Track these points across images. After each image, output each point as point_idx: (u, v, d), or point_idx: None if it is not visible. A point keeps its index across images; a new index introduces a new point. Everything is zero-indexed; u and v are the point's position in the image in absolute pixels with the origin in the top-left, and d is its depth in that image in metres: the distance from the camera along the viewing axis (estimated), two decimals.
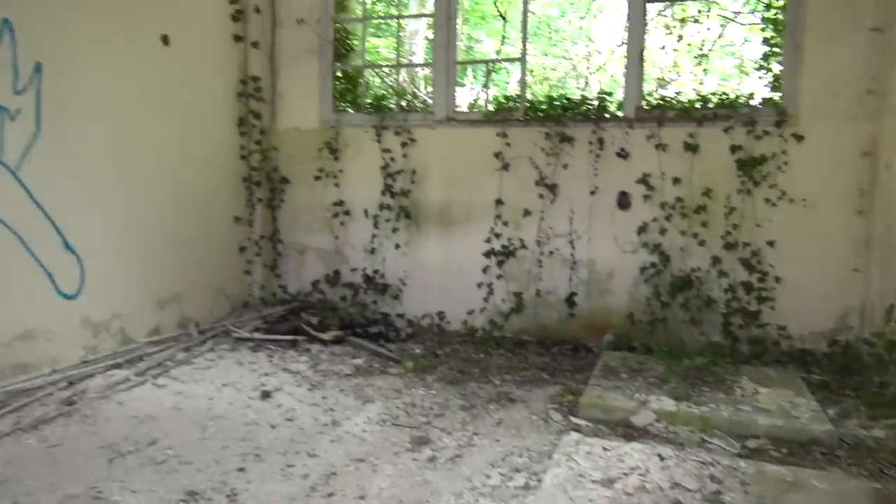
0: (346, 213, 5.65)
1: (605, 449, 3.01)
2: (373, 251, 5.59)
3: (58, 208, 3.90)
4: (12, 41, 3.58)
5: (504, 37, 8.08)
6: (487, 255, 5.20)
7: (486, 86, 7.76)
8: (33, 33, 3.70)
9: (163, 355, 4.38)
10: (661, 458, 2.92)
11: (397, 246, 5.51)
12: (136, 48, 4.47)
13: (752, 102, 4.72)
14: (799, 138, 4.50)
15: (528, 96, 5.32)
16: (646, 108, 4.90)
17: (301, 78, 5.76)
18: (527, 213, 5.11)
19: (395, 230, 5.50)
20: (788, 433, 3.24)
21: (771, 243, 4.59)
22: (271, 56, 5.80)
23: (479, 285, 5.23)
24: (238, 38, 5.55)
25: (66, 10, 3.92)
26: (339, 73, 5.97)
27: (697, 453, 2.99)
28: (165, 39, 4.71)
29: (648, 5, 4.98)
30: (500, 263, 5.19)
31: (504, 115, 5.21)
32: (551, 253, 5.10)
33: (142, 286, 4.61)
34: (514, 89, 11.05)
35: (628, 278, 4.93)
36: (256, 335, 4.92)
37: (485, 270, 5.21)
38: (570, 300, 5.05)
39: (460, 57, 5.57)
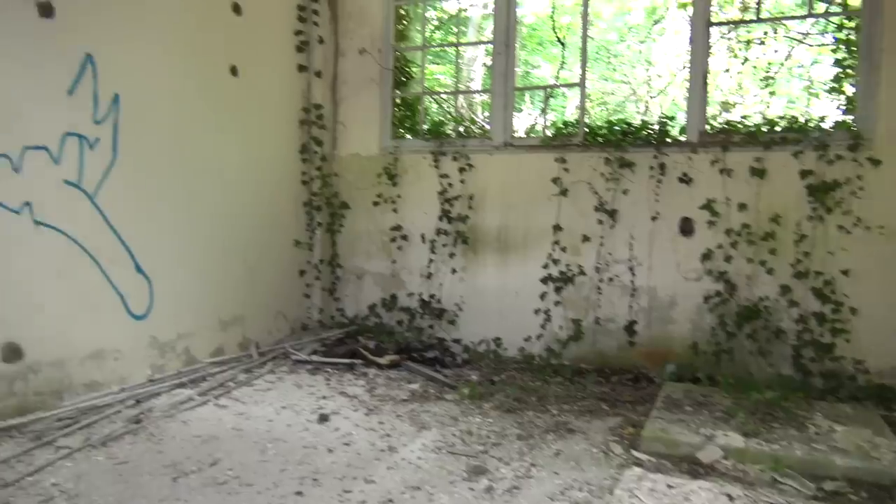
0: (404, 237, 5.70)
1: (669, 486, 2.90)
2: (429, 276, 5.61)
3: (130, 232, 4.07)
4: (94, 74, 3.80)
5: (563, 62, 8.07)
6: (545, 281, 5.14)
7: (544, 111, 7.73)
8: (113, 67, 3.91)
9: (225, 376, 4.49)
10: (730, 499, 2.78)
11: (454, 271, 5.51)
12: (206, 79, 4.67)
13: (823, 126, 4.55)
14: (875, 163, 4.30)
15: (586, 121, 5.27)
16: (710, 132, 4.79)
17: (362, 105, 5.89)
18: (585, 238, 5.03)
19: (451, 255, 5.51)
20: (868, 475, 3.04)
21: (845, 272, 4.37)
22: (333, 85, 5.96)
23: (537, 312, 5.16)
24: (302, 68, 5.73)
25: (144, 45, 4.13)
26: (398, 101, 6.07)
27: (769, 494, 2.84)
28: (234, 70, 4.91)
29: (712, 28, 4.88)
30: (557, 290, 5.11)
31: (562, 140, 5.18)
32: (611, 280, 5.00)
33: (206, 307, 4.74)
34: (571, 114, 11.01)
35: (691, 307, 4.78)
36: (314, 358, 4.98)
37: (542, 297, 5.14)
38: (629, 328, 4.93)
39: (518, 83, 5.57)
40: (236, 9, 4.92)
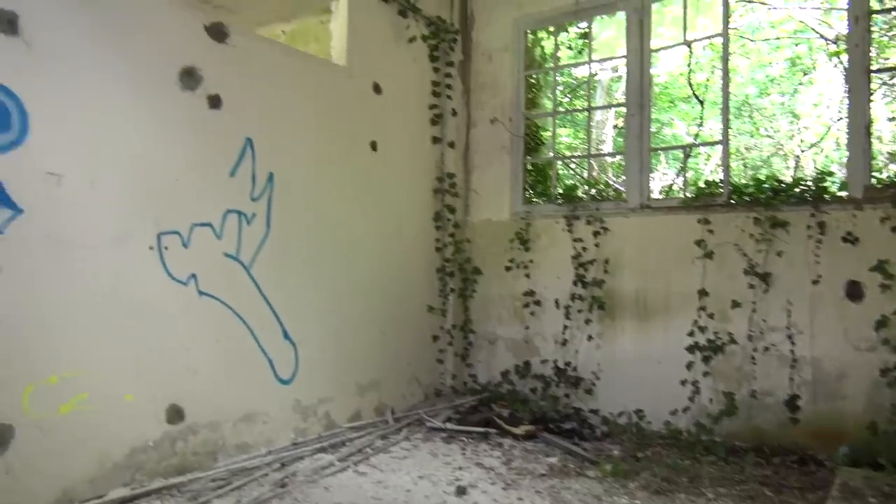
0: (537, 303, 5.61)
1: None
2: (564, 343, 5.44)
3: (279, 300, 4.31)
4: (252, 156, 4.15)
5: (701, 119, 7.80)
6: (691, 349, 4.80)
7: (682, 171, 7.45)
8: (268, 148, 4.26)
9: (362, 441, 4.55)
10: None
11: (590, 338, 5.31)
12: (349, 155, 4.95)
13: None
14: None
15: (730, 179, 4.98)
16: (877, 186, 4.35)
17: (493, 172, 5.99)
18: (735, 304, 4.67)
19: (587, 321, 5.33)
20: None
21: None
22: (466, 154, 6.13)
23: (683, 383, 4.81)
24: (436, 140, 5.94)
25: (295, 127, 4.48)
26: (529, 166, 6.11)
27: None
28: (374, 145, 5.18)
29: (871, 75, 4.51)
30: (706, 359, 4.75)
31: (705, 200, 4.92)
32: (766, 349, 4.58)
33: (345, 373, 4.88)
34: (710, 172, 10.53)
35: (865, 380, 4.25)
36: (449, 425, 4.94)
37: (689, 367, 4.80)
38: (791, 403, 4.45)
39: (651, 142, 5.42)
40: (377, 88, 5.23)
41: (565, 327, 5.44)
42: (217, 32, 3.96)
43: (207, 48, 3.90)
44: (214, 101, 3.93)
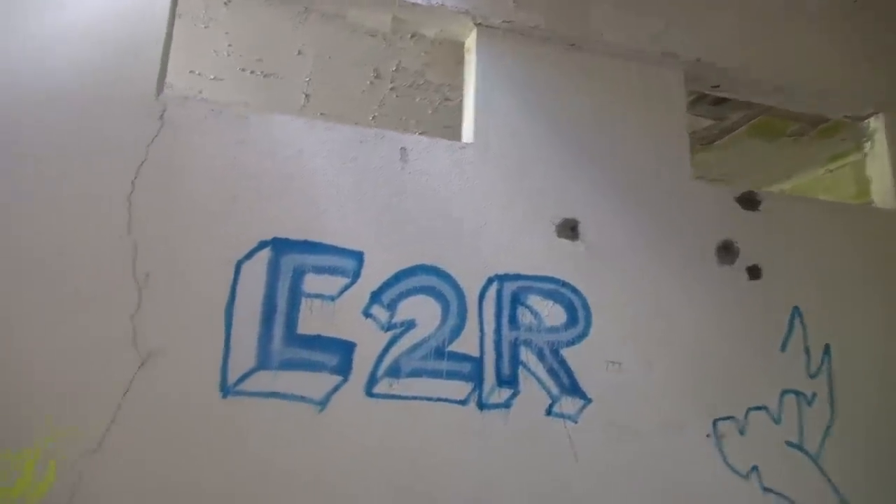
0: None
1: None
2: None
3: (860, 500, 3.49)
4: (803, 328, 3.67)
5: None
6: None
7: None
8: (819, 317, 3.71)
9: None
10: None
11: None
12: None
13: None
14: None
15: None
16: None
17: None
18: None
19: None
20: None
21: None
22: None
23: None
24: None
25: (847, 290, 3.81)
26: None
27: None
28: None
29: None
30: None
31: None
32: None
33: None
34: None
35: None
36: None
37: None
38: None
39: None
40: None
41: None
42: (748, 202, 3.80)
43: (740, 219, 3.75)
44: (753, 272, 3.68)
